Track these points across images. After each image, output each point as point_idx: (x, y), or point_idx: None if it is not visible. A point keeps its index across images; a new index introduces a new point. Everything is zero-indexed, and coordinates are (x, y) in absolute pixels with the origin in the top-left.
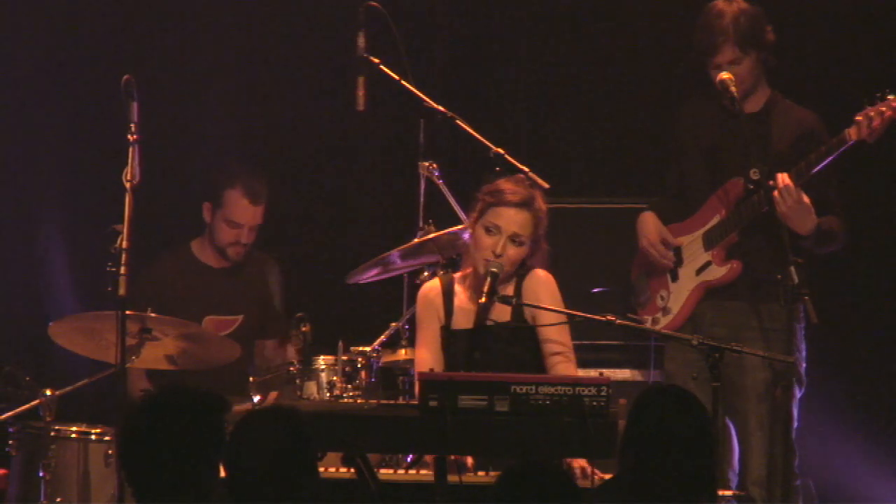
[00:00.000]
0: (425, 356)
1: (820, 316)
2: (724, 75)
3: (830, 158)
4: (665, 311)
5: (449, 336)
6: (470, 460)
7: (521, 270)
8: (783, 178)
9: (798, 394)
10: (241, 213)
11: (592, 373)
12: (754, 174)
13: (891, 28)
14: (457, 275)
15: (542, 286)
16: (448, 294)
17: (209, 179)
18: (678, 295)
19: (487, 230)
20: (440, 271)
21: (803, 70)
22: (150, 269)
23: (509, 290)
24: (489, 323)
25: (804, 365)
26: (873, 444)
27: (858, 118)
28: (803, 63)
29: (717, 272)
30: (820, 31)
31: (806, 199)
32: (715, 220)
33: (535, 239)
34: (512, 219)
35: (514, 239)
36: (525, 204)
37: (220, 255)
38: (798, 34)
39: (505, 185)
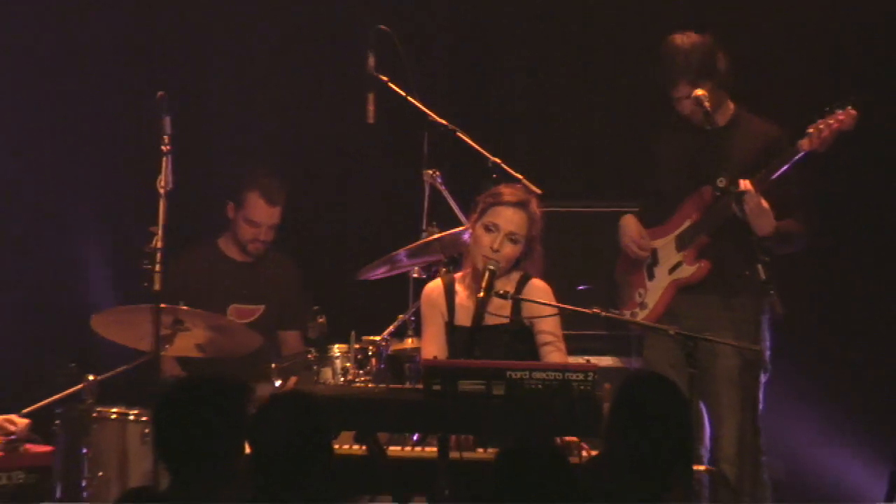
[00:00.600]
0: (431, 351)
1: (784, 308)
2: (699, 92)
3: (786, 167)
4: (642, 305)
5: (451, 332)
6: (470, 439)
7: (521, 280)
8: (745, 184)
9: (763, 378)
10: (260, 212)
11: (580, 360)
12: (721, 182)
13: (846, 46)
14: (457, 275)
15: (540, 293)
16: (450, 292)
17: (232, 182)
18: (654, 292)
19: (487, 228)
20: (443, 269)
21: (769, 85)
22: (181, 262)
23: (507, 286)
24: (487, 321)
25: (768, 353)
26: (831, 422)
27: (810, 130)
28: (770, 79)
29: (688, 271)
30: (783, 48)
31: (765, 203)
32: (686, 224)
33: (529, 238)
34: (509, 218)
35: (510, 237)
36: (522, 205)
37: (243, 251)
38: (764, 52)
39: (504, 188)
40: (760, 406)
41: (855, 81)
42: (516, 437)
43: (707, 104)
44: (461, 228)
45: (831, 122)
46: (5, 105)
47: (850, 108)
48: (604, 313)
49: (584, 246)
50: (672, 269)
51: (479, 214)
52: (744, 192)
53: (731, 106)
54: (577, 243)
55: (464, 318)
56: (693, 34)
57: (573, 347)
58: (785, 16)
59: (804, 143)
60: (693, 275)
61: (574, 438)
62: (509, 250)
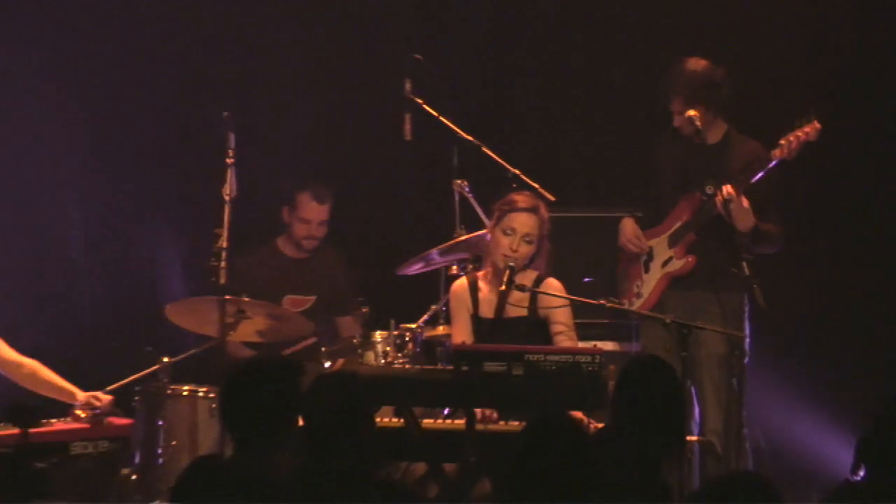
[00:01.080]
0: (459, 338)
1: (766, 300)
2: (691, 112)
3: (762, 172)
4: (639, 295)
5: (476, 322)
6: (493, 413)
7: (537, 279)
8: (727, 188)
9: (745, 359)
10: (311, 211)
11: (588, 345)
12: (709, 189)
13: (816, 65)
14: (479, 273)
15: (554, 290)
16: (473, 289)
17: (286, 188)
18: (648, 283)
19: (504, 232)
20: (469, 266)
21: (752, 105)
22: (245, 259)
23: (525, 280)
24: (509, 312)
25: (748, 340)
26: (807, 399)
27: (781, 142)
28: (752, 100)
29: (677, 264)
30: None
31: (745, 202)
32: (677, 225)
33: (540, 238)
34: (524, 222)
35: (525, 238)
36: (533, 210)
37: (298, 248)
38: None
39: (517, 196)
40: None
41: (826, 94)
42: (534, 410)
43: (698, 123)
44: (484, 231)
45: (799, 134)
46: (100, 125)
47: (814, 122)
48: (609, 304)
49: (590, 246)
50: (664, 264)
51: (496, 220)
52: (727, 197)
53: (724, 126)
54: (583, 244)
55: (486, 311)
56: (704, 62)
57: (582, 334)
58: (768, 37)
59: (776, 153)
60: (682, 268)
61: (579, 414)
62: (525, 249)
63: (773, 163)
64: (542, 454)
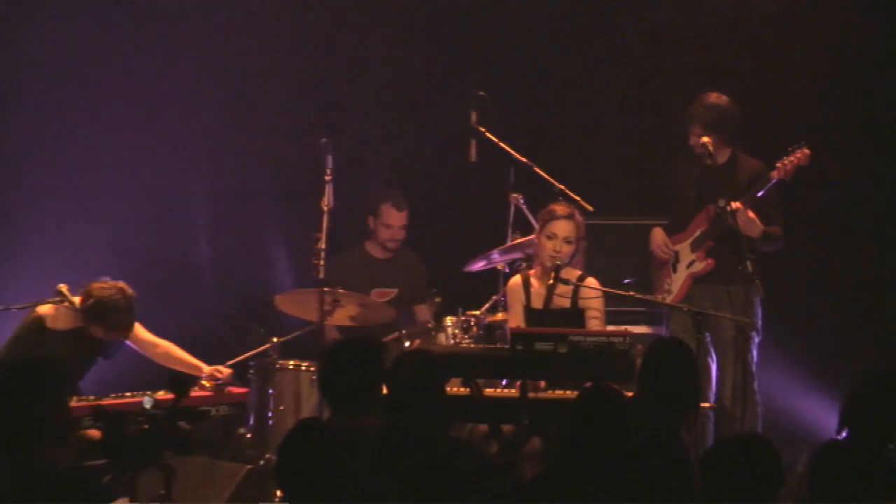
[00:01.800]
0: (514, 324)
1: (772, 292)
2: (705, 139)
3: (764, 190)
4: (669, 292)
5: (528, 312)
6: (542, 384)
7: (579, 277)
8: (736, 204)
9: (756, 339)
10: (392, 217)
11: (620, 329)
12: (721, 202)
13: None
14: (531, 272)
15: (592, 285)
16: (525, 284)
17: (371, 201)
18: (676, 282)
19: (548, 237)
20: (523, 265)
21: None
22: (341, 259)
23: (569, 277)
24: (555, 302)
25: (760, 322)
26: (808, 373)
27: (778, 165)
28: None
29: (699, 266)
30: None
31: (752, 214)
32: (698, 233)
33: (578, 238)
34: (563, 227)
35: (566, 240)
36: (570, 217)
37: (383, 249)
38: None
39: (555, 206)
40: (755, 360)
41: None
42: (575, 381)
43: (710, 148)
44: (534, 236)
45: (792, 158)
46: (225, 151)
47: (805, 148)
48: (637, 295)
49: (625, 249)
50: (689, 265)
51: (540, 228)
52: (735, 210)
53: (729, 149)
54: (620, 246)
55: (537, 302)
56: (725, 98)
57: (621, 320)
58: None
59: (774, 174)
60: (703, 269)
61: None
62: (567, 249)
63: (773, 182)
64: (593, 415)
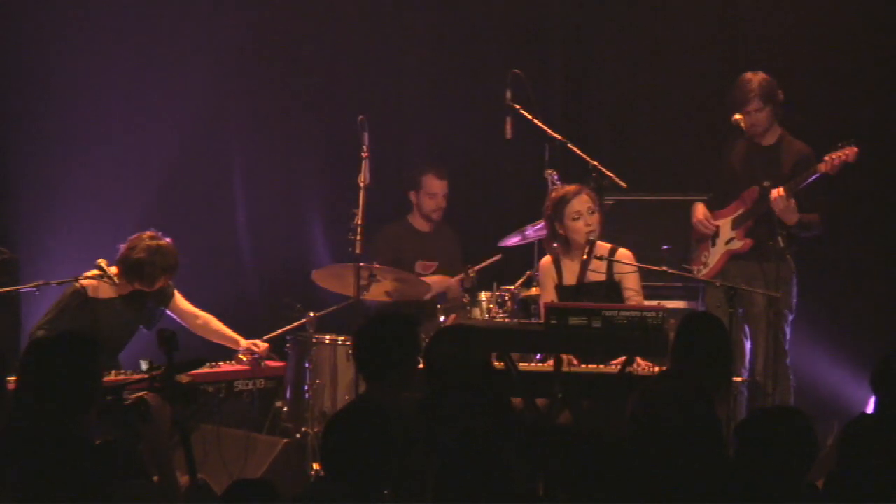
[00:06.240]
0: (548, 300)
1: (810, 271)
2: (738, 116)
3: (809, 180)
4: (705, 265)
5: (560, 289)
6: (575, 358)
7: (611, 250)
8: (778, 191)
9: (790, 316)
10: (435, 186)
11: (653, 303)
12: (766, 185)
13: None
14: (560, 250)
15: (626, 258)
16: (557, 262)
17: (411, 176)
18: (713, 256)
19: (573, 219)
20: (554, 244)
21: (805, 115)
22: (389, 229)
23: (602, 251)
24: (590, 277)
25: (795, 300)
26: (838, 348)
27: (826, 158)
28: (805, 110)
29: (737, 244)
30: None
31: (793, 202)
32: (740, 211)
33: (600, 205)
34: (582, 201)
35: (590, 211)
36: (580, 191)
37: (427, 220)
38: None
39: (562, 189)
40: (788, 336)
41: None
42: (609, 356)
43: (743, 125)
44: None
45: (840, 154)
46: (268, 130)
47: (853, 145)
48: (669, 270)
49: (663, 224)
50: (727, 242)
51: (561, 216)
52: (778, 197)
53: (779, 130)
54: (659, 222)
55: (570, 279)
56: (761, 73)
57: (656, 294)
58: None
59: (821, 167)
60: (741, 248)
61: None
62: (594, 219)
63: (818, 175)
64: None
